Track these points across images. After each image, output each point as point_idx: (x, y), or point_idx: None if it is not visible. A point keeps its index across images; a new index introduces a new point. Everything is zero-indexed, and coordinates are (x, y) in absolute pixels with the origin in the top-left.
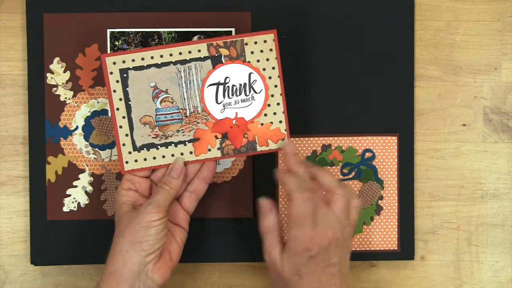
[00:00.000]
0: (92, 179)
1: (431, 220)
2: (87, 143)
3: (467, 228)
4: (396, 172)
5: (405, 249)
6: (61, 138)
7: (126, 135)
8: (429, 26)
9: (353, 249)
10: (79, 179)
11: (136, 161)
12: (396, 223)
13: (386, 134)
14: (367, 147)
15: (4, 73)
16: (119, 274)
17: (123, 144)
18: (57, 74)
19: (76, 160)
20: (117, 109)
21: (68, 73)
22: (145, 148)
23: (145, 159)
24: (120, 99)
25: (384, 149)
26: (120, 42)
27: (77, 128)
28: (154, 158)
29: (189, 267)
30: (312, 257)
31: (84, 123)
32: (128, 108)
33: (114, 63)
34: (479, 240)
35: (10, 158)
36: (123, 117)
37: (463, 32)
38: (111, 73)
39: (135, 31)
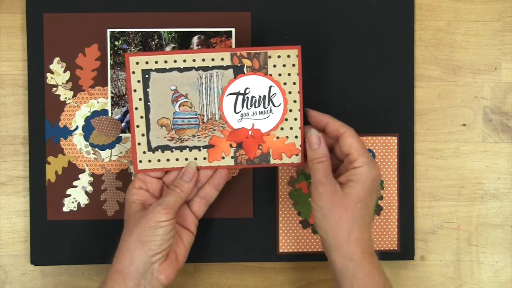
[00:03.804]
0: (92, 179)
1: (431, 220)
2: (87, 143)
3: (467, 228)
4: (396, 172)
5: (405, 249)
6: (61, 138)
7: (142, 134)
8: (429, 26)
9: None
10: (79, 179)
11: (149, 161)
12: (396, 223)
13: (386, 134)
14: (367, 147)
15: (4, 73)
16: (125, 272)
17: (139, 144)
18: (57, 74)
19: (76, 160)
20: (136, 108)
21: (68, 73)
22: (159, 150)
23: (158, 160)
24: (140, 99)
25: (384, 149)
26: (120, 42)
27: (77, 128)
28: (168, 160)
29: (189, 267)
30: (375, 187)
31: (84, 123)
32: (147, 109)
33: (137, 63)
34: (479, 240)
35: (10, 158)
36: (141, 117)
37: (463, 32)
38: (133, 72)
39: (135, 31)
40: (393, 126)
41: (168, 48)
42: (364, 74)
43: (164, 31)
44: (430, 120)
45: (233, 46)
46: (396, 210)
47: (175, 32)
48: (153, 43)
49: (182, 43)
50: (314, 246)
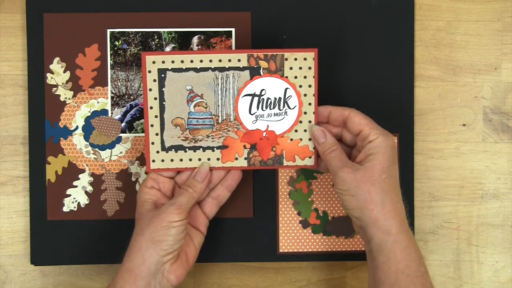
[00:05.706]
0: (92, 179)
1: (431, 220)
2: (87, 143)
3: (467, 228)
4: None
5: None
6: (61, 138)
7: (156, 134)
8: (429, 26)
9: (353, 249)
10: (79, 179)
11: (162, 161)
12: None
13: None
14: None
15: (4, 73)
16: (137, 271)
17: (152, 143)
18: (57, 74)
19: (76, 160)
20: (151, 107)
21: (68, 73)
22: (173, 149)
23: (171, 160)
24: (155, 98)
25: None
26: (120, 42)
27: (77, 128)
28: (181, 160)
29: None
30: (394, 155)
31: (84, 123)
32: (162, 108)
33: (154, 62)
34: (479, 240)
35: (10, 158)
36: (156, 116)
37: (463, 32)
38: (149, 71)
39: (135, 31)
40: (393, 126)
41: (168, 48)
42: (364, 74)
43: (164, 31)
44: (430, 120)
45: (233, 46)
46: None
47: (175, 32)
48: (153, 43)
49: (182, 43)
50: (314, 246)
